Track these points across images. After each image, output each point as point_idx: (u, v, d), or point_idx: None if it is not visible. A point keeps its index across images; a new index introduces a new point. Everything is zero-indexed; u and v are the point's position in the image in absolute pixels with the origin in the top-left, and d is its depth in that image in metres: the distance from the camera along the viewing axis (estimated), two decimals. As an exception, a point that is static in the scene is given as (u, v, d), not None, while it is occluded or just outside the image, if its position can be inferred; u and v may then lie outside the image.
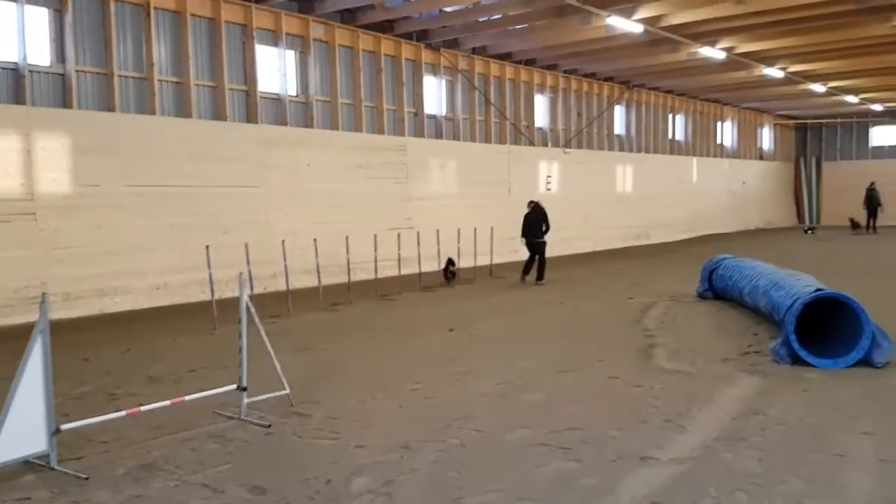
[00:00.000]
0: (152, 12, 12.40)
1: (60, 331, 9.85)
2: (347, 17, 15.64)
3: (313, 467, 4.89)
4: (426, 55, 17.54)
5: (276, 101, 14.53)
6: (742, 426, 5.58)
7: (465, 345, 8.92)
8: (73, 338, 9.46)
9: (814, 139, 35.16)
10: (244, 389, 5.92)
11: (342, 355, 8.38)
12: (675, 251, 21.65)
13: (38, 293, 10.71)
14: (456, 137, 18.57)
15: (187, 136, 12.79)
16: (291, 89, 14.81)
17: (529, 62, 20.56)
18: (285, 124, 14.54)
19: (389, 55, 16.74)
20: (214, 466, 4.94)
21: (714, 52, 18.67)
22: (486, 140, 19.49)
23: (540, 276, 14.33)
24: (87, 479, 4.70)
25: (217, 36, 13.41)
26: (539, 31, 17.44)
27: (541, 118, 21.53)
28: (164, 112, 12.71)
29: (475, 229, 15.05)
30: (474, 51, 18.81)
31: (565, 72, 21.94)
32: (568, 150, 22.07)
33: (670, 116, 27.26)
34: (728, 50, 18.86)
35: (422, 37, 17.28)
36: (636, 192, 24.86)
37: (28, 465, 4.82)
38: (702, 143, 28.95)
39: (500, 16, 16.45)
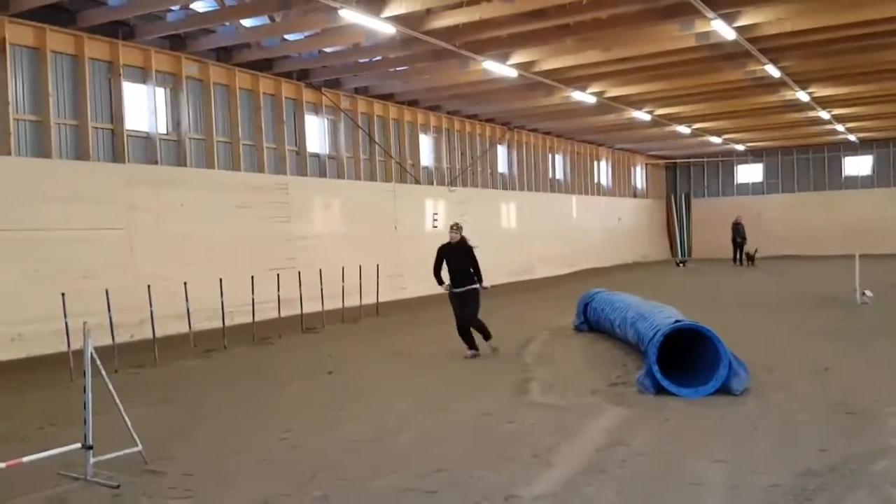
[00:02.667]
0: (8, 48, 11.70)
1: None
2: (223, 55, 15.33)
3: (161, 530, 4.57)
4: (307, 94, 17.42)
5: (146, 139, 13.97)
6: (605, 458, 5.67)
7: (343, 388, 8.71)
8: None
9: (683, 177, 37.37)
10: (90, 448, 5.49)
11: (208, 405, 7.99)
12: (557, 285, 22.23)
13: None
14: (340, 176, 18.45)
15: (46, 177, 12.04)
16: (162, 127, 14.29)
17: (412, 103, 20.82)
18: (156, 163, 13.98)
19: (269, 94, 16.52)
20: (50, 536, 4.53)
21: (585, 97, 19.56)
22: (372, 178, 19.48)
23: (486, 336, 10.43)
24: None
25: (81, 73, 12.79)
26: (419, 73, 17.74)
27: (426, 157, 21.78)
28: (21, 152, 11.94)
29: (360, 267, 14.91)
30: (356, 91, 18.85)
31: (448, 112, 22.36)
32: (453, 188, 22.39)
33: (550, 156, 28.26)
34: (598, 94, 19.81)
35: (302, 76, 17.17)
36: (519, 228, 25.48)
37: None
38: (580, 182, 30.12)
39: (380, 57, 16.60)
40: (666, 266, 30.81)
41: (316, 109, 17.87)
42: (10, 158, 11.70)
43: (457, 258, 10.26)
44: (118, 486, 5.32)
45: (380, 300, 15.86)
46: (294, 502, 4.98)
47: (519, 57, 15.94)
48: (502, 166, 25.54)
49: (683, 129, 26.65)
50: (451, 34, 14.18)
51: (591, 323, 12.28)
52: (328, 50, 16.21)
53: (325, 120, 18.21)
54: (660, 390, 7.54)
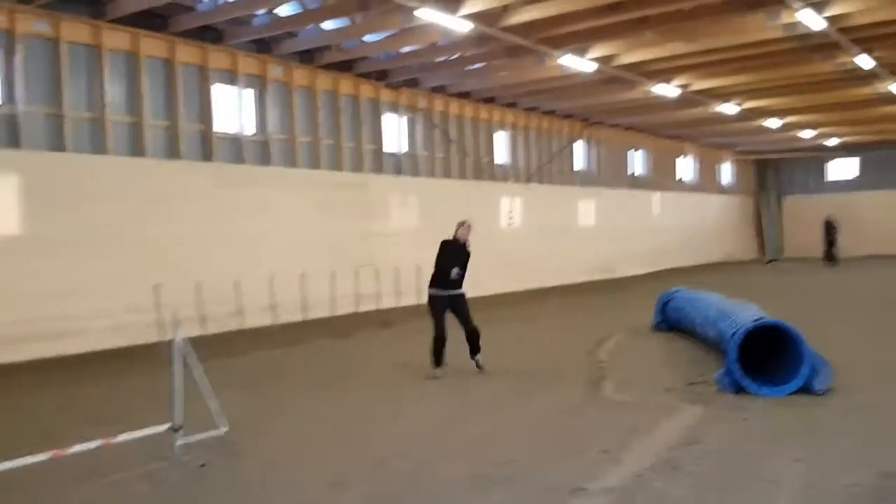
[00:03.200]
0: (105, 53, 12.41)
1: (6, 375, 9.67)
2: (305, 57, 15.78)
3: (241, 507, 4.81)
4: (385, 94, 17.72)
5: (234, 140, 14.55)
6: (677, 455, 5.60)
7: (416, 380, 8.87)
8: (17, 382, 9.26)
9: (773, 174, 35.95)
10: (178, 429, 5.82)
11: (288, 393, 8.29)
12: (637, 285, 21.84)
13: (-17, 336, 10.51)
14: (416, 174, 18.69)
15: (141, 176, 12.71)
16: (248, 128, 14.85)
17: (489, 100, 20.86)
18: (242, 162, 14.54)
19: (349, 94, 16.89)
20: (140, 509, 4.84)
21: (668, 90, 19.11)
22: (447, 176, 19.64)
23: (475, 349, 9.29)
24: (4, 525, 4.57)
25: (173, 76, 13.43)
26: (495, 70, 17.74)
27: (501, 154, 21.79)
28: (118, 152, 12.65)
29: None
30: (433, 90, 19.04)
31: (525, 109, 22.28)
32: (530, 185, 22.31)
33: (630, 152, 27.74)
34: (682, 87, 19.32)
35: (381, 76, 17.47)
36: (598, 226, 25.14)
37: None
38: (662, 179, 29.44)
39: (457, 56, 16.72)
40: (754, 265, 29.78)
41: (394, 108, 18.15)
42: (107, 158, 12.42)
43: (457, 258, 9.12)
44: (203, 465, 5.63)
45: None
46: (367, 484, 5.15)
47: (597, 51, 15.74)
48: (580, 163, 25.25)
49: (773, 124, 25.67)
50: (528, 30, 14.14)
51: (671, 322, 12.03)
52: (405, 50, 16.44)
53: (403, 119, 18.48)
54: (739, 390, 7.37)
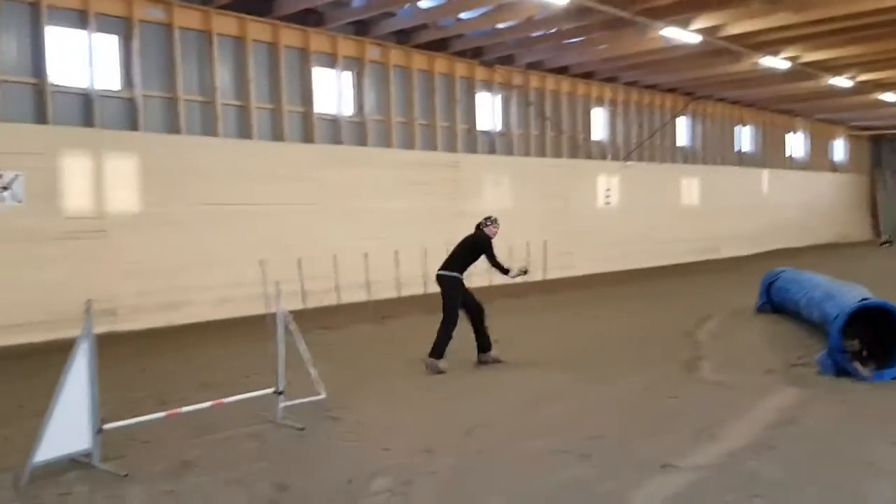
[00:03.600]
0: (215, 38, 13.02)
1: (126, 342, 10.45)
2: (402, 37, 16.00)
3: (338, 468, 5.07)
4: (480, 72, 17.75)
5: (333, 121, 14.98)
6: (773, 435, 5.48)
7: (505, 356, 8.95)
8: (136, 348, 9.99)
9: (889, 150, 33.67)
10: (280, 394, 6.17)
11: (382, 365, 8.57)
12: (742, 265, 21.07)
13: (107, 306, 11.36)
14: (510, 152, 18.66)
15: (248, 157, 13.32)
16: (347, 110, 15.25)
17: (587, 75, 20.50)
18: (340, 143, 14.97)
19: (443, 73, 17.02)
20: (247, 465, 5.18)
21: (777, 62, 18.21)
22: (542, 154, 19.50)
23: (481, 348, 8.68)
24: (125, 475, 4.99)
25: (276, 60, 13.95)
26: (595, 44, 17.39)
27: (599, 131, 21.42)
28: (227, 134, 13.29)
29: (528, 244, 15.09)
30: (530, 65, 18.90)
31: (625, 83, 21.76)
32: (629, 162, 21.85)
33: (737, 128, 26.64)
34: (792, 59, 18.37)
35: (476, 54, 17.49)
36: (703, 205, 24.36)
37: (73, 462, 5.14)
38: (771, 155, 28.15)
39: (554, 30, 16.51)
40: (867, 247, 28.12)
41: (488, 86, 18.15)
42: (217, 140, 13.07)
43: (463, 247, 8.72)
44: (303, 428, 5.96)
45: (548, 277, 15.95)
46: (452, 453, 5.31)
47: (701, 22, 15.15)
48: (684, 139, 24.47)
49: (890, 98, 24.01)
50: (629, 1, 13.80)
51: (775, 304, 11.61)
52: (501, 26, 16.38)
53: (498, 97, 18.46)
54: (841, 372, 7.08)
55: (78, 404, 5.04)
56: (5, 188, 10.65)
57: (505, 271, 8.70)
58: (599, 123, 21.39)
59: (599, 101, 21.28)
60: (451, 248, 8.76)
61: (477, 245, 8.59)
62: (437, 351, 8.22)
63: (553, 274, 16.48)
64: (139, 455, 5.41)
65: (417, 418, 6.30)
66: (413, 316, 12.34)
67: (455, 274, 8.50)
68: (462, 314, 8.47)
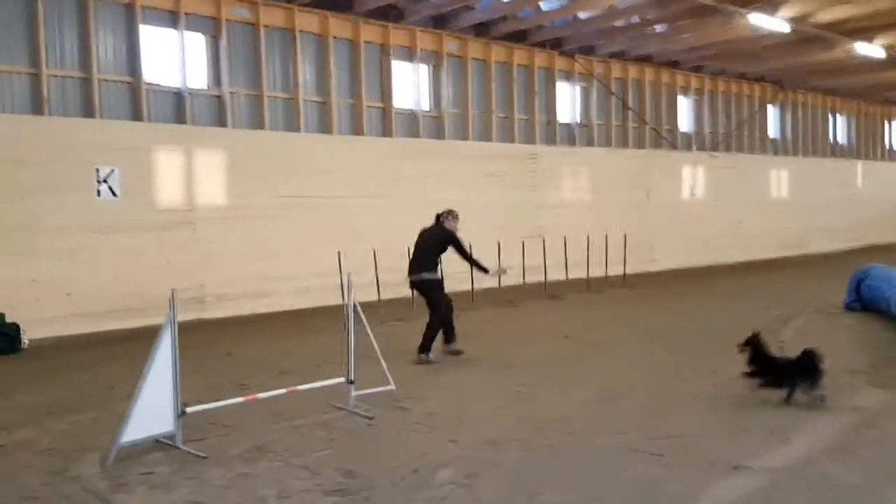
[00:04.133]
0: (298, 35, 13.37)
1: (212, 329, 10.93)
2: (481, 30, 16.01)
3: (404, 457, 5.18)
4: (559, 62, 17.57)
5: (410, 115, 15.14)
6: (852, 439, 5.27)
7: (578, 352, 8.90)
8: (221, 336, 10.42)
9: None
10: (351, 383, 6.34)
11: (453, 357, 8.63)
12: (833, 261, 20.12)
13: (195, 295, 11.91)
14: (590, 144, 18.41)
15: (327, 151, 13.64)
16: (424, 104, 15.38)
17: (672, 64, 19.99)
18: (417, 136, 15.12)
19: (522, 65, 16.94)
20: (317, 451, 5.35)
21: (872, 50, 17.27)
22: (623, 145, 19.16)
23: (446, 339, 8.53)
24: (205, 457, 5.25)
25: (357, 56, 14.21)
26: (679, 32, 16.97)
27: (685, 122, 20.85)
28: (308, 129, 13.64)
29: (606, 237, 14.88)
30: (611, 55, 18.58)
31: (711, 73, 21.11)
32: (715, 154, 21.19)
33: (830, 118, 25.41)
34: (888, 48, 17.37)
35: (555, 44, 17.33)
36: (792, 198, 23.40)
37: (157, 443, 5.43)
38: (867, 146, 26.73)
39: (637, 19, 16.17)
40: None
41: (568, 77, 17.95)
42: (299, 135, 13.45)
43: (425, 248, 8.57)
44: (373, 418, 6.10)
45: (627, 271, 15.69)
46: (520, 447, 5.33)
47: (790, 9, 14.58)
48: (773, 130, 23.56)
49: None
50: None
51: (865, 301, 11.07)
52: (582, 16, 16.17)
53: (577, 87, 18.22)
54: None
55: (162, 389, 5.32)
56: (103, 182, 11.28)
57: (484, 270, 8.49)
58: (684, 113, 20.83)
59: (684, 91, 20.73)
60: (416, 245, 8.53)
61: (444, 241, 8.34)
62: (426, 346, 8.27)
63: (633, 268, 16.19)
64: (218, 438, 5.67)
65: (488, 411, 6.35)
66: (485, 309, 12.39)
67: (435, 276, 8.36)
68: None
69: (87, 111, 11.33)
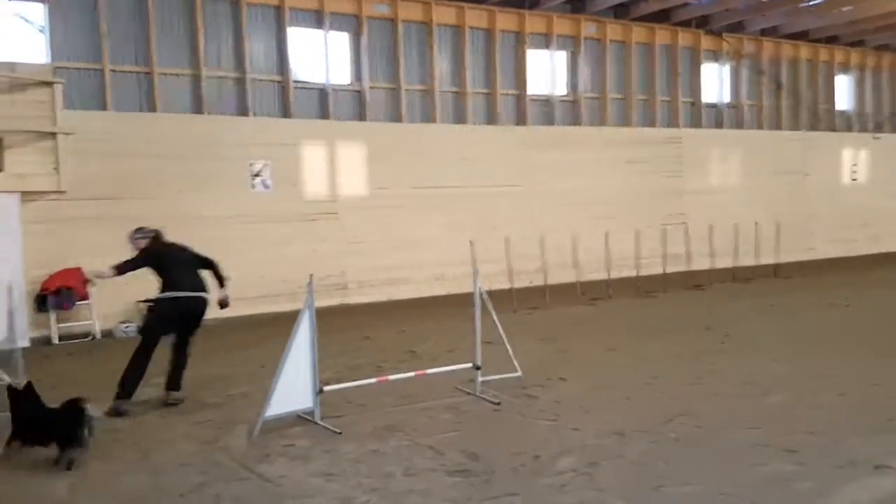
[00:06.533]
0: (434, 28, 13.66)
1: (353, 314, 11.48)
2: (620, 11, 15.61)
3: (527, 443, 5.25)
4: (706, 42, 16.78)
5: (545, 102, 15.04)
6: None
7: (717, 345, 8.54)
8: (361, 320, 10.93)
9: None
10: (478, 368, 6.48)
11: (586, 347, 8.58)
12: None
13: (338, 281, 12.54)
14: (739, 126, 17.48)
15: (462, 141, 13.86)
16: (560, 89, 15.22)
17: (830, 40, 18.55)
18: (552, 124, 15.00)
19: (664, 45, 16.34)
20: (443, 433, 5.54)
21: None
22: (776, 127, 18.03)
23: (173, 385, 6.62)
24: (340, 433, 5.58)
25: (492, 45, 14.30)
26: (837, 5, 15.73)
27: (844, 101, 19.31)
28: (444, 120, 13.92)
29: (756, 224, 14.12)
30: (763, 32, 17.51)
31: (875, 48, 19.37)
32: (878, 135, 19.48)
33: None
34: None
35: (701, 23, 16.56)
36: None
37: (299, 418, 5.83)
38: None
39: (790, -8, 15.17)
40: None
41: (715, 57, 17.11)
42: (434, 126, 13.75)
43: (186, 262, 6.80)
44: (499, 403, 6.21)
45: (780, 260, 14.81)
46: (647, 438, 5.25)
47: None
48: (950, 105, 21.29)
49: None
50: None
51: None
52: (729, -8, 15.37)
53: (725, 67, 17.33)
54: None
55: (302, 367, 5.71)
56: (256, 175, 12.10)
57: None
58: (844, 92, 19.30)
59: (844, 68, 19.20)
60: (176, 266, 6.65)
61: (199, 255, 6.90)
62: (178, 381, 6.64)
63: (788, 257, 15.26)
64: (353, 416, 6.00)
65: (616, 401, 6.28)
66: (623, 299, 12.15)
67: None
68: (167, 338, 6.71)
69: (241, 109, 12.18)
